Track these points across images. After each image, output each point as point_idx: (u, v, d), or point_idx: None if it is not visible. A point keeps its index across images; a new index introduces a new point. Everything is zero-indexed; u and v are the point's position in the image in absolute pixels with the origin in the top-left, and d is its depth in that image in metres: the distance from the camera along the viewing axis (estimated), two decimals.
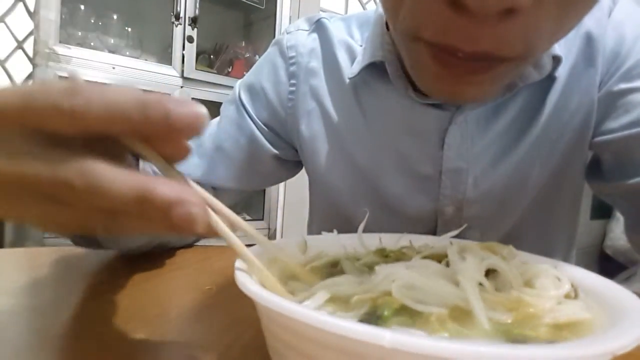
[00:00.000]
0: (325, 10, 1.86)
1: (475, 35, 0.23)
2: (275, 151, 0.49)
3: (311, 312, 0.13)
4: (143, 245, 0.41)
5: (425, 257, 0.20)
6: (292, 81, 0.48)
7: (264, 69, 0.50)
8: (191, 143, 0.59)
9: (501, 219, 0.44)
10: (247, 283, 0.15)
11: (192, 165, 0.49)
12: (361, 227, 0.26)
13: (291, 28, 0.50)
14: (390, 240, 0.25)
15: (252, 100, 0.49)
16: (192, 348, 0.23)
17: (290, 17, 1.59)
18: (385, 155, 0.44)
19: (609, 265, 2.04)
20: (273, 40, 0.52)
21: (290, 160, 0.52)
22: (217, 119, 0.51)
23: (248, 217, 1.61)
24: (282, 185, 1.61)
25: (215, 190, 0.50)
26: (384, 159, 0.44)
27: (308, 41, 0.49)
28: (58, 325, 0.25)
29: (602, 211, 2.03)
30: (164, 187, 0.15)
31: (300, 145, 0.49)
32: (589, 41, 0.39)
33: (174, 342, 0.23)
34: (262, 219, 1.60)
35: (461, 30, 0.23)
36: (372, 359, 0.12)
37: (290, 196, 1.63)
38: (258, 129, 0.48)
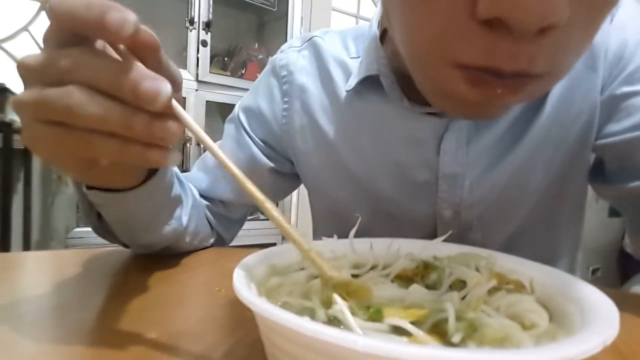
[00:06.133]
0: (337, 9, 1.87)
1: (515, 54, 0.23)
2: (272, 165, 0.52)
3: (293, 317, 0.14)
4: (154, 243, 0.43)
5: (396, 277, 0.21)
6: (286, 99, 0.51)
7: (260, 89, 0.53)
8: (199, 160, 0.62)
9: (503, 221, 0.45)
10: (242, 290, 0.17)
11: (197, 180, 0.52)
12: (352, 232, 0.28)
13: (284, 47, 0.53)
14: (381, 245, 0.27)
15: (249, 119, 0.52)
16: (199, 347, 0.24)
17: (302, 17, 1.60)
18: (382, 164, 0.45)
19: (628, 263, 1.99)
20: (269, 60, 0.55)
21: (288, 173, 0.54)
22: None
23: (263, 217, 1.64)
24: None
25: (223, 204, 0.53)
26: (381, 168, 0.46)
27: (299, 59, 0.51)
28: (77, 324, 0.27)
29: None
30: (140, 67, 0.21)
31: (297, 159, 0.51)
32: (590, 46, 0.39)
33: (182, 341, 0.25)
34: None
35: (502, 50, 0.22)
36: None
37: (304, 195, 1.65)
38: (255, 145, 0.51)
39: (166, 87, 0.21)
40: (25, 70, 0.22)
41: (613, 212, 1.98)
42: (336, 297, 0.16)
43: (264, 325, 0.17)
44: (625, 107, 0.38)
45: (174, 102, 0.22)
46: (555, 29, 0.21)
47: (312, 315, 0.16)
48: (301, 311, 0.17)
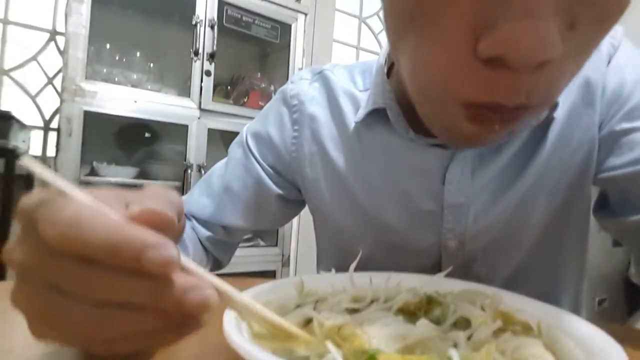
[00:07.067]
0: (338, 41, 1.92)
1: (515, 89, 0.24)
2: (280, 191, 0.52)
3: None
4: None
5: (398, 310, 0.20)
6: (296, 127, 0.51)
7: (270, 116, 0.53)
8: (200, 184, 0.61)
9: (507, 253, 0.44)
10: (232, 334, 0.16)
11: (201, 205, 0.52)
12: (352, 266, 0.27)
13: (295, 78, 0.54)
14: (380, 279, 0.26)
15: (258, 145, 0.53)
16: None
17: (303, 49, 1.64)
18: (387, 194, 0.45)
19: (635, 293, 1.94)
20: (279, 90, 0.55)
21: (294, 200, 0.54)
22: (224, 160, 0.55)
23: (262, 244, 1.62)
24: None
25: (224, 229, 0.53)
26: (386, 198, 0.46)
27: (310, 90, 0.52)
28: None
29: None
30: (178, 276, 0.17)
31: (305, 187, 0.51)
32: (587, 85, 0.41)
33: None
34: (276, 245, 1.61)
35: (504, 86, 0.24)
36: None
37: (305, 223, 1.64)
38: (264, 170, 0.51)
39: (212, 294, 0.18)
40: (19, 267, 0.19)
41: (617, 242, 1.95)
42: (329, 345, 0.16)
43: None
44: (626, 143, 0.39)
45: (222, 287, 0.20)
46: (550, 63, 0.23)
47: None
48: (294, 359, 0.16)
